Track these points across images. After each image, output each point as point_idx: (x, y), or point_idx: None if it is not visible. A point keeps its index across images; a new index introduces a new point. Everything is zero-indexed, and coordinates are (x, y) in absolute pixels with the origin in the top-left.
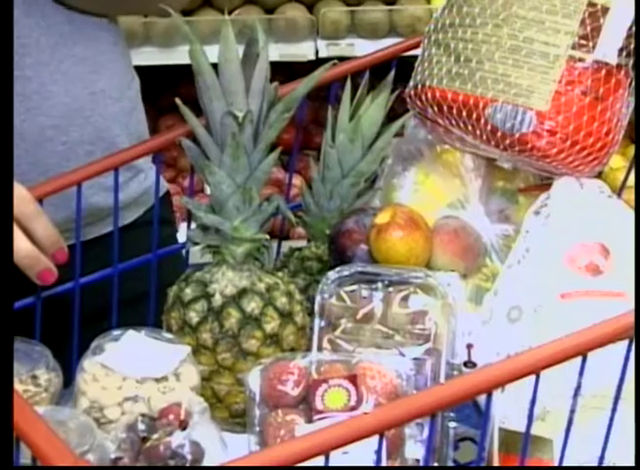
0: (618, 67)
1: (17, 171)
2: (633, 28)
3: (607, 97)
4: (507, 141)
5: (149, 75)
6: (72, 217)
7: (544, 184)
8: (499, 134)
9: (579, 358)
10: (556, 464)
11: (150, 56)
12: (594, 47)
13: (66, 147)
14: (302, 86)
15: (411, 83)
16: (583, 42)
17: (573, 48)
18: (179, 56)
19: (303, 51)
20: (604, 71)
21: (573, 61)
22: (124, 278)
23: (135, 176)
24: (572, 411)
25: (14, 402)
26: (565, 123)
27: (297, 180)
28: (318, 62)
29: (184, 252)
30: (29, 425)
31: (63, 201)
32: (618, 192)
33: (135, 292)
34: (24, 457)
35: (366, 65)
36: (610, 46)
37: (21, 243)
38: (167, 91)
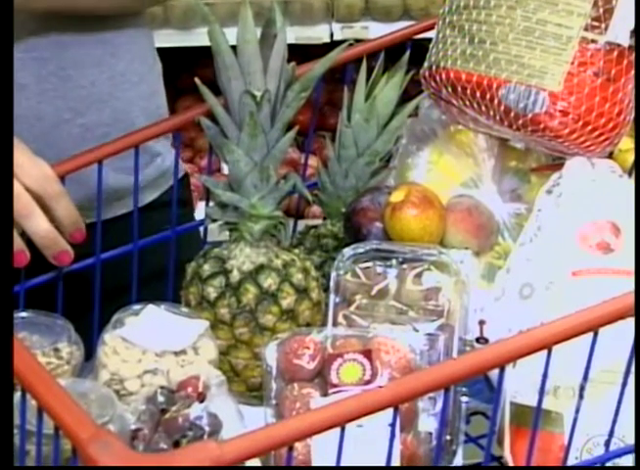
0: (630, 48)
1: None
2: None
3: (619, 78)
4: (520, 121)
5: (167, 57)
6: (90, 197)
7: (556, 164)
8: (512, 115)
9: (590, 334)
10: (567, 438)
11: (168, 38)
12: (606, 29)
13: (82, 129)
14: (319, 66)
15: (425, 64)
16: (596, 24)
17: (586, 30)
18: (197, 38)
19: (318, 34)
20: (616, 53)
21: (586, 42)
22: (143, 255)
23: (152, 160)
24: (581, 393)
25: (37, 374)
26: (577, 104)
27: (312, 160)
28: (333, 44)
29: (202, 229)
30: (52, 396)
31: (81, 180)
32: (628, 173)
33: (154, 268)
34: (47, 428)
35: (381, 46)
36: (622, 28)
37: (40, 223)
38: (185, 73)
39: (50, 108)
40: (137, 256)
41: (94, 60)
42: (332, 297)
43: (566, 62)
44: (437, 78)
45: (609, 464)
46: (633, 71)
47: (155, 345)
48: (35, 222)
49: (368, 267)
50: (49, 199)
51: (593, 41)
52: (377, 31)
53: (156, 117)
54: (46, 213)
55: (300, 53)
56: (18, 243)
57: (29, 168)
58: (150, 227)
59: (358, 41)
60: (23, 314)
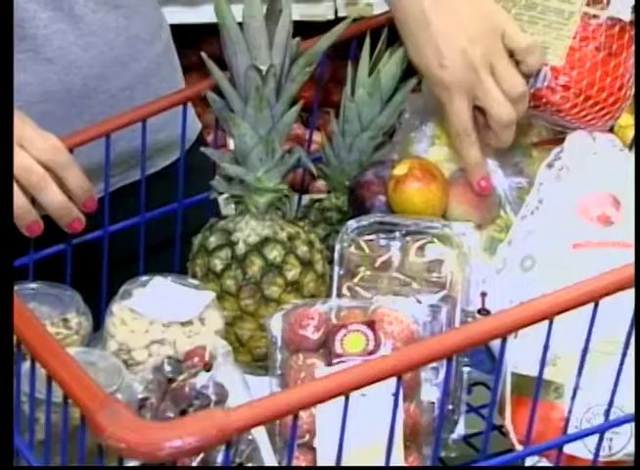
0: (632, 23)
1: (64, 123)
2: None
3: (620, 53)
4: None
5: (172, 34)
6: (117, 158)
7: (557, 138)
8: None
9: (590, 305)
10: (567, 408)
11: (173, 15)
12: (608, 4)
13: (107, 95)
14: (324, 41)
15: None
16: None
17: (588, 5)
18: (202, 14)
19: (323, 11)
20: (617, 28)
21: (588, 17)
22: (153, 225)
23: (176, 117)
24: (582, 364)
25: (46, 344)
26: (578, 78)
27: (316, 136)
28: (337, 21)
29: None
30: (61, 365)
31: (99, 148)
32: (629, 147)
33: (163, 238)
34: (56, 396)
35: (385, 22)
36: (623, 3)
37: (55, 194)
38: (190, 49)
39: (78, 78)
40: (144, 228)
41: (110, 24)
42: (336, 269)
43: (568, 37)
44: None
45: (608, 434)
46: (634, 46)
47: (162, 315)
48: (50, 194)
49: (372, 240)
50: (60, 169)
51: (595, 16)
52: (381, 8)
53: (171, 79)
54: (57, 184)
55: (305, 30)
56: (32, 214)
57: (38, 142)
58: (171, 191)
59: (362, 19)
60: (33, 285)
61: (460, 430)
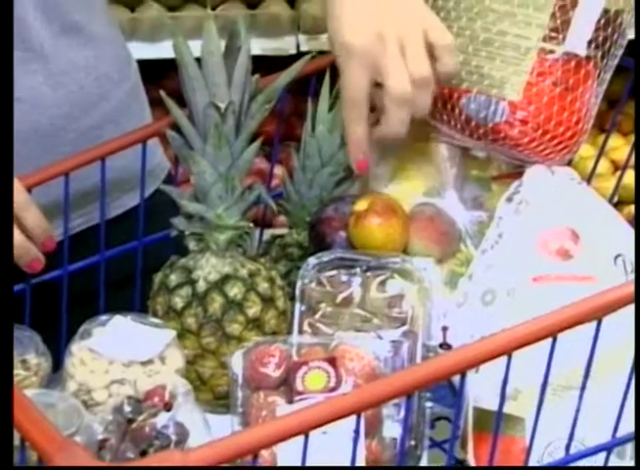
0: (587, 58)
1: (31, 163)
2: (602, 21)
3: (576, 87)
4: (481, 131)
5: None
6: (87, 193)
7: (516, 172)
8: (473, 124)
9: (549, 340)
10: (528, 442)
11: (135, 50)
12: (564, 39)
13: (76, 134)
14: (283, 78)
15: None
16: (554, 35)
17: (544, 40)
18: (164, 50)
19: (285, 45)
20: (573, 63)
21: (544, 53)
22: (114, 263)
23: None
24: (542, 398)
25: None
26: (536, 113)
27: (279, 170)
28: (299, 56)
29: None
30: (18, 409)
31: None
32: (588, 179)
33: (123, 276)
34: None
35: None
36: (579, 38)
37: (13, 234)
38: (152, 85)
39: (45, 118)
40: (104, 267)
41: (80, 64)
42: (297, 305)
43: (525, 72)
44: None
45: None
46: (590, 81)
47: (122, 355)
48: None
49: (333, 276)
50: (17, 209)
51: (551, 51)
52: None
53: (139, 117)
54: (16, 224)
55: (267, 64)
56: None
57: None
58: (130, 233)
59: (324, 52)
60: None
61: (423, 465)
